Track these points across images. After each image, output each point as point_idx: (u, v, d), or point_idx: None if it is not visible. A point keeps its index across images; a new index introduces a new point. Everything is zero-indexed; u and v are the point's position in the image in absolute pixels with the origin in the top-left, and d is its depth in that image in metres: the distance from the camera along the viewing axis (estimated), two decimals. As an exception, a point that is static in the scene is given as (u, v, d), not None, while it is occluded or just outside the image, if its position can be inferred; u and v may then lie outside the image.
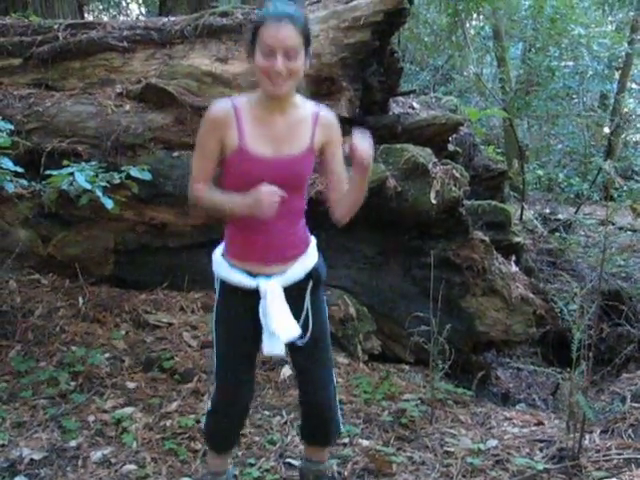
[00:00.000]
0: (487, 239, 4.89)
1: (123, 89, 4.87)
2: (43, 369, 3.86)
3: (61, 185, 3.79)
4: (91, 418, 3.50)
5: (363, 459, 3.28)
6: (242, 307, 2.42)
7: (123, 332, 4.28)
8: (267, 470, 3.16)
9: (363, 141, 2.27)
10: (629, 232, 8.66)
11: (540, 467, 3.15)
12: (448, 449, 3.42)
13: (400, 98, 5.70)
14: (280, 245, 2.41)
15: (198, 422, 3.46)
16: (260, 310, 2.38)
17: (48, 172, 3.90)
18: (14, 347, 4.05)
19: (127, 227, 4.72)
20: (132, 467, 3.13)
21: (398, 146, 4.75)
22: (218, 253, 2.51)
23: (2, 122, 3.95)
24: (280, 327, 2.36)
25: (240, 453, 3.26)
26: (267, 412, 3.67)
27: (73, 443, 3.30)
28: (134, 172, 4.04)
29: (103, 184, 3.86)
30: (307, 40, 2.27)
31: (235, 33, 5.01)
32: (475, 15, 12.25)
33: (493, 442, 3.47)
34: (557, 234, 7.78)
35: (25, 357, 3.97)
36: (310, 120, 2.39)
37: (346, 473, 3.18)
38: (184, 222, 4.62)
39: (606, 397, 4.15)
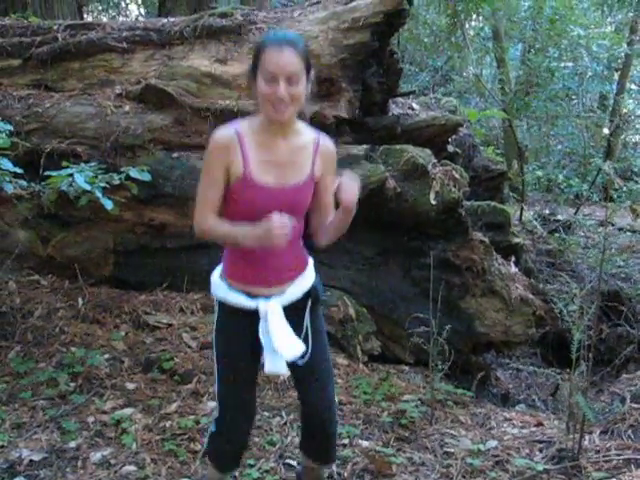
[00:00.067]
0: (487, 240, 4.89)
1: (122, 90, 4.88)
2: (42, 370, 3.86)
3: (60, 186, 3.80)
4: (90, 419, 3.50)
5: (363, 460, 3.28)
6: (242, 328, 2.42)
7: (123, 333, 4.28)
8: (267, 471, 3.16)
9: (351, 185, 2.28)
10: (628, 233, 8.68)
11: (540, 468, 3.15)
12: (448, 450, 3.42)
13: (399, 99, 5.71)
14: (280, 268, 2.41)
15: (198, 423, 3.46)
16: (260, 330, 2.38)
17: (47, 173, 3.90)
18: (13, 348, 4.05)
19: (126, 228, 4.72)
20: (132, 468, 3.13)
21: (397, 147, 4.75)
22: (216, 275, 2.50)
23: (1, 123, 3.96)
24: (283, 346, 2.36)
25: (240, 454, 3.26)
26: (267, 413, 3.67)
27: (73, 444, 3.30)
28: (133, 173, 4.04)
29: (102, 185, 3.87)
30: (308, 65, 2.27)
31: (234, 34, 5.01)
32: (474, 16, 12.25)
33: (493, 443, 3.48)
34: (556, 235, 7.78)
35: (24, 358, 3.97)
36: (311, 148, 2.40)
37: (346, 474, 3.18)
38: (183, 223, 4.61)
39: (606, 398, 4.16)
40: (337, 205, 2.39)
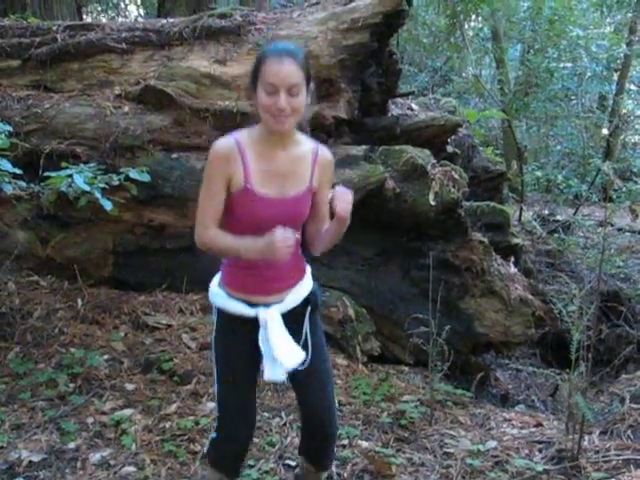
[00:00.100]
0: (486, 240, 4.89)
1: (122, 91, 4.88)
2: (42, 371, 3.86)
3: (60, 187, 3.80)
4: (90, 420, 3.50)
5: (362, 460, 3.28)
6: (241, 335, 2.42)
7: (122, 334, 4.28)
8: (266, 472, 3.16)
9: (345, 195, 2.29)
10: (628, 233, 8.68)
11: (539, 468, 3.16)
12: (447, 450, 3.42)
13: (399, 99, 5.71)
14: (280, 277, 2.42)
15: (197, 424, 3.46)
16: (260, 338, 2.38)
17: (47, 174, 3.90)
18: (13, 349, 4.05)
19: (126, 229, 4.72)
20: (131, 469, 3.13)
21: (397, 147, 4.75)
22: (215, 283, 2.51)
23: (1, 124, 3.95)
24: (283, 355, 2.36)
25: (239, 455, 3.26)
26: (266, 414, 3.67)
27: (72, 445, 3.30)
28: (133, 174, 4.04)
29: (102, 186, 3.87)
30: (308, 76, 2.28)
31: (234, 35, 5.01)
32: (474, 16, 12.26)
33: (492, 443, 3.48)
34: (556, 235, 7.79)
35: (24, 359, 3.97)
36: (310, 158, 2.41)
37: (345, 475, 3.18)
38: (183, 223, 4.61)
39: (605, 398, 4.16)
40: (332, 215, 2.39)
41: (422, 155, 4.71)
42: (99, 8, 16.35)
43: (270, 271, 2.37)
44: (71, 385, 3.78)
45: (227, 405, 2.50)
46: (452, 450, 3.41)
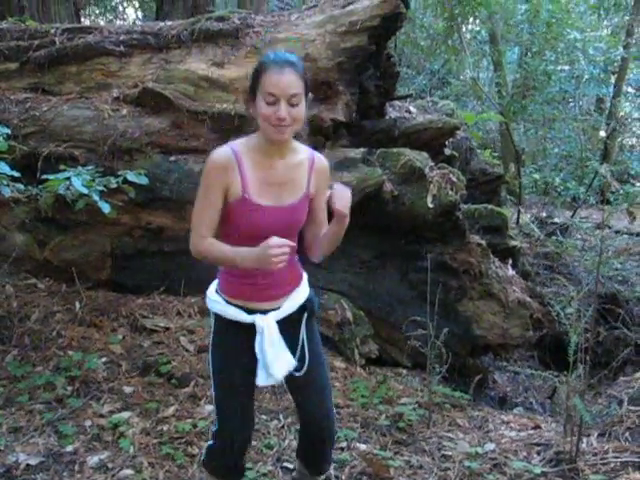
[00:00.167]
0: (484, 243, 4.90)
1: (120, 93, 4.88)
2: (40, 374, 3.85)
3: (58, 189, 3.79)
4: (88, 423, 3.50)
5: (361, 463, 3.28)
6: (239, 341, 2.43)
7: (120, 336, 4.27)
8: (264, 474, 3.16)
9: (343, 193, 2.29)
10: (625, 235, 8.69)
11: (537, 471, 3.16)
12: (446, 453, 3.42)
13: (397, 102, 5.72)
14: (276, 284, 2.43)
15: (195, 427, 3.46)
16: (257, 345, 2.39)
17: (45, 176, 3.89)
18: (10, 352, 4.04)
19: (124, 231, 4.72)
20: (129, 472, 3.13)
21: (395, 150, 4.76)
22: (212, 290, 2.52)
23: (-1, 127, 3.95)
24: (275, 365, 2.38)
25: (237, 457, 3.26)
26: (264, 416, 3.67)
27: (70, 448, 3.29)
28: (131, 176, 4.03)
29: (100, 188, 3.86)
30: (307, 85, 2.29)
31: (232, 38, 5.02)
32: (471, 19, 12.26)
33: (491, 446, 3.48)
34: (554, 238, 7.79)
35: (22, 362, 3.96)
36: (306, 165, 2.41)
37: (343, 477, 3.18)
38: (181, 226, 4.61)
39: (603, 400, 4.15)
40: (330, 217, 2.40)
41: (420, 158, 4.72)
42: (97, 11, 16.37)
43: (266, 279, 2.38)
44: (69, 388, 3.77)
45: (225, 411, 2.50)
46: (450, 453, 3.41)
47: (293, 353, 2.46)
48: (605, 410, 3.87)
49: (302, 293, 2.52)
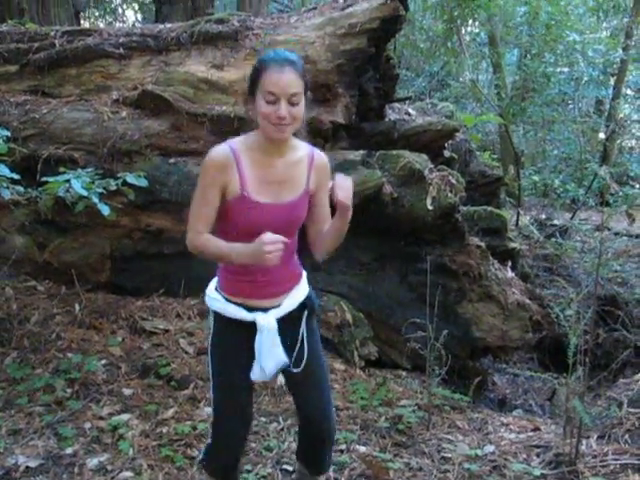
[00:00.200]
0: (483, 245, 4.90)
1: (119, 96, 4.88)
2: (39, 376, 3.85)
3: (57, 192, 3.79)
4: (87, 425, 3.50)
5: (360, 465, 3.27)
6: (238, 338, 2.43)
7: (119, 339, 4.27)
8: (264, 477, 3.16)
9: (345, 183, 2.28)
10: (625, 237, 8.69)
11: (537, 473, 3.16)
12: (445, 455, 3.42)
13: (396, 104, 5.72)
14: (276, 282, 2.43)
15: (195, 429, 3.45)
16: (256, 343, 2.40)
17: (44, 179, 3.89)
18: (10, 354, 4.04)
19: (123, 233, 4.72)
20: (128, 474, 3.13)
21: (394, 152, 4.76)
22: (212, 288, 2.51)
23: (-1, 129, 3.95)
24: (268, 361, 2.39)
25: (237, 460, 3.25)
26: (264, 418, 3.67)
27: (69, 450, 3.29)
28: (130, 179, 4.03)
29: (99, 191, 3.86)
30: (306, 84, 2.29)
31: (231, 40, 5.02)
32: (471, 21, 12.29)
33: (490, 448, 3.48)
34: (553, 240, 7.80)
35: (21, 364, 3.96)
36: (306, 162, 2.41)
37: (343, 479, 3.17)
38: (180, 229, 4.58)
39: (603, 402, 4.14)
40: (333, 213, 2.40)
41: (419, 160, 4.72)
42: (97, 13, 16.39)
43: (265, 276, 2.38)
44: (68, 390, 3.77)
45: (224, 409, 2.50)
46: (450, 455, 3.41)
47: (293, 351, 2.46)
48: (605, 412, 3.87)
49: (302, 291, 2.52)
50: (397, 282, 4.83)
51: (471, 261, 4.80)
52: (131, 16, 17.54)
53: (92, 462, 3.20)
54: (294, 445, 3.30)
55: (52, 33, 5.21)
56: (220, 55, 4.95)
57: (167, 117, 4.72)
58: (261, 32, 5.04)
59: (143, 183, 4.18)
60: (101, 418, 3.56)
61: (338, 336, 4.46)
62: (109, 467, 3.17)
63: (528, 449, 3.46)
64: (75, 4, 8.85)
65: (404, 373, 4.69)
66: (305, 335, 2.49)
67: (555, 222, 8.82)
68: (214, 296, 2.47)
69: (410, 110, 5.78)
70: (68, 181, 3.77)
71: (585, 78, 11.38)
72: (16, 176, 3.73)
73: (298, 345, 2.47)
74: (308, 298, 2.52)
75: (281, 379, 3.97)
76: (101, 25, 15.39)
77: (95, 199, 3.80)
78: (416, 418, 3.77)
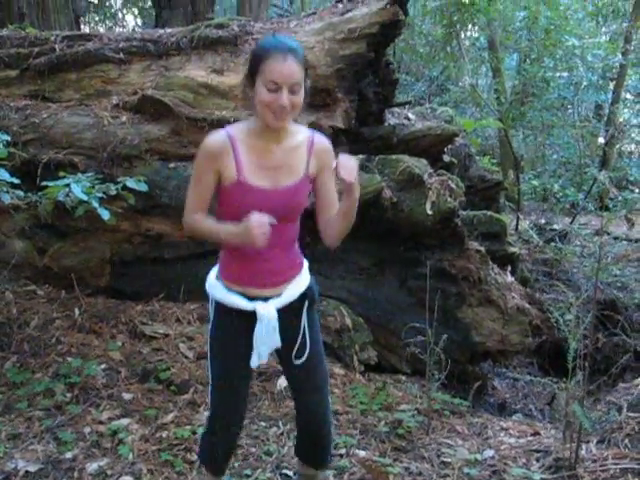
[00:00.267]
0: (483, 249, 4.90)
1: (119, 100, 4.88)
2: (39, 380, 3.85)
3: (57, 196, 3.79)
4: (87, 429, 3.49)
5: (360, 470, 3.27)
6: (238, 328, 2.44)
7: (119, 343, 4.27)
8: (263, 481, 3.15)
9: (348, 162, 2.27)
10: (624, 242, 8.69)
11: (537, 477, 3.15)
12: (445, 459, 3.42)
13: (395, 109, 5.73)
14: (276, 271, 2.44)
15: (194, 433, 3.45)
16: (256, 332, 2.41)
17: (44, 183, 3.90)
18: (10, 358, 4.04)
19: (123, 238, 4.73)
20: (128, 479, 3.12)
21: (394, 157, 4.77)
22: (212, 276, 2.52)
23: (-1, 133, 3.96)
24: (264, 346, 2.42)
25: (237, 464, 3.26)
26: (263, 423, 3.67)
27: (69, 455, 3.29)
28: (130, 183, 4.04)
29: (99, 195, 3.86)
30: (306, 71, 2.30)
31: (231, 45, 5.03)
32: (470, 26, 12.32)
33: (490, 452, 3.47)
34: (552, 244, 7.80)
35: (21, 368, 3.97)
36: (305, 147, 2.41)
37: (343, 484, 3.18)
38: (180, 233, 4.61)
39: (602, 407, 4.14)
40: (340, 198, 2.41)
41: (419, 164, 4.73)
42: (97, 18, 16.42)
43: (265, 264, 2.39)
44: (68, 395, 3.77)
45: (221, 397, 2.52)
46: (449, 459, 3.41)
47: (293, 341, 2.48)
48: (604, 417, 3.87)
49: (303, 281, 2.52)
50: (397, 287, 4.84)
51: (471, 266, 4.81)
52: (131, 21, 17.59)
53: (92, 467, 3.20)
54: (294, 450, 3.30)
55: (52, 38, 5.21)
56: (220, 60, 4.96)
57: (167, 122, 4.72)
58: (261, 37, 5.05)
59: (143, 188, 4.18)
60: (101, 422, 3.56)
61: (338, 341, 4.46)
62: (109, 472, 3.17)
63: (528, 454, 3.45)
64: (75, 9, 8.88)
65: (404, 378, 4.69)
66: (307, 326, 2.50)
67: (555, 226, 8.83)
68: (214, 284, 2.48)
69: (409, 115, 5.79)
70: (68, 185, 3.77)
71: (584, 83, 11.39)
72: (16, 180, 3.74)
73: (300, 337, 2.48)
74: (309, 288, 2.52)
75: (281, 383, 3.98)
76: (101, 30, 15.43)
77: (95, 204, 3.80)
78: (416, 423, 3.77)
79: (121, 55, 5.04)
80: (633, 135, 14.51)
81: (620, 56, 11.32)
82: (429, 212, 4.59)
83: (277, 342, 2.44)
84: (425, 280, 4.15)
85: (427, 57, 13.23)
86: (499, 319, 4.88)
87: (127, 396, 3.81)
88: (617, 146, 13.16)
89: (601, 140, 12.81)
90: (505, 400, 5.47)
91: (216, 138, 2.34)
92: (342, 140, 4.90)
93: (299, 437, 2.74)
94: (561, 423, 3.65)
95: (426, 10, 12.31)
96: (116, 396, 3.81)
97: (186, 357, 4.16)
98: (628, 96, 13.75)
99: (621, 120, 13.34)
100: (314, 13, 5.35)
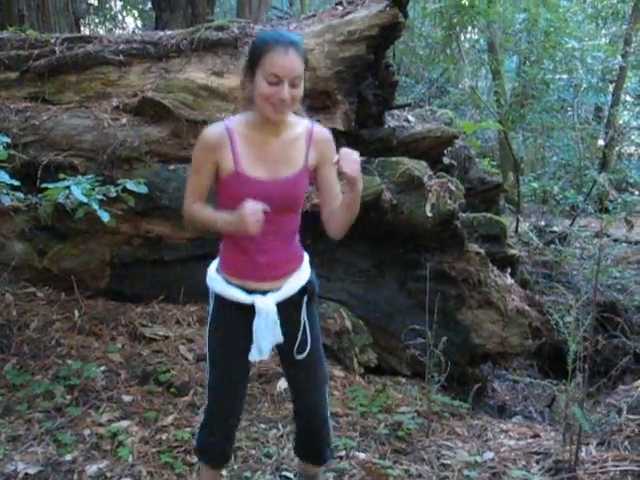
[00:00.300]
0: (482, 251, 4.90)
1: (119, 103, 4.89)
2: (39, 382, 3.85)
3: (57, 198, 3.79)
4: (87, 432, 3.49)
5: (359, 472, 3.27)
6: (237, 321, 2.44)
7: (119, 345, 4.27)
8: (263, 483, 3.15)
9: (350, 155, 2.27)
10: (624, 244, 8.70)
11: (537, 479, 3.15)
12: (445, 462, 3.41)
13: (395, 111, 5.73)
14: (276, 264, 2.44)
15: (194, 435, 3.44)
16: (255, 326, 2.40)
17: (44, 185, 3.90)
18: (10, 360, 4.04)
19: (123, 240, 4.73)
20: (128, 481, 3.13)
21: (393, 159, 4.77)
22: (213, 269, 2.53)
23: (-1, 135, 3.96)
24: (266, 341, 2.42)
25: (236, 467, 3.26)
26: (263, 425, 3.67)
27: (68, 457, 3.29)
28: (130, 185, 4.04)
29: (99, 197, 3.86)
30: (306, 64, 2.31)
31: (231, 47, 5.04)
32: (470, 28, 12.32)
33: (489, 454, 3.47)
34: (552, 246, 7.80)
35: (21, 370, 3.96)
36: (304, 138, 2.42)
37: (342, 486, 3.17)
38: (180, 235, 4.62)
39: (602, 409, 4.14)
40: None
41: (419, 167, 4.73)
42: (97, 20, 16.43)
43: (264, 256, 2.40)
44: (68, 397, 3.77)
45: (218, 390, 2.53)
46: (449, 461, 3.41)
47: (294, 336, 2.48)
48: (604, 419, 3.87)
49: (303, 275, 2.52)
50: (396, 289, 4.84)
51: (470, 268, 4.81)
52: (131, 23, 17.60)
53: (91, 469, 3.19)
54: (293, 452, 3.30)
55: (52, 40, 5.22)
56: (220, 62, 4.97)
57: (167, 124, 4.72)
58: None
59: (143, 190, 4.18)
60: (100, 425, 3.56)
61: (337, 343, 4.46)
62: (108, 474, 3.17)
63: (528, 456, 3.45)
64: (75, 11, 8.88)
65: (403, 380, 4.69)
66: (306, 320, 2.50)
67: (554, 229, 8.83)
68: (214, 277, 2.49)
69: (409, 117, 5.79)
70: (68, 188, 3.77)
71: (584, 85, 11.41)
72: (16, 183, 3.74)
73: (300, 331, 2.48)
74: (309, 282, 2.52)
75: (281, 385, 3.98)
76: (101, 32, 15.44)
77: (95, 206, 3.80)
78: (415, 425, 3.76)
79: (121, 57, 5.04)
80: (633, 137, 14.53)
81: (620, 58, 11.33)
82: (429, 214, 4.59)
83: (279, 337, 2.44)
84: (425, 282, 4.15)
85: (427, 59, 13.23)
86: (499, 321, 4.88)
87: (127, 398, 3.81)
88: (617, 148, 13.18)
89: (601, 142, 12.82)
90: (505, 402, 5.47)
91: (214, 130, 2.36)
92: (342, 142, 4.89)
93: (299, 437, 2.73)
94: (561, 425, 3.65)
95: (426, 12, 12.31)
96: (116, 398, 3.81)
97: (186, 359, 4.16)
98: (628, 98, 13.77)
99: (621, 122, 13.37)
100: (314, 15, 5.35)
